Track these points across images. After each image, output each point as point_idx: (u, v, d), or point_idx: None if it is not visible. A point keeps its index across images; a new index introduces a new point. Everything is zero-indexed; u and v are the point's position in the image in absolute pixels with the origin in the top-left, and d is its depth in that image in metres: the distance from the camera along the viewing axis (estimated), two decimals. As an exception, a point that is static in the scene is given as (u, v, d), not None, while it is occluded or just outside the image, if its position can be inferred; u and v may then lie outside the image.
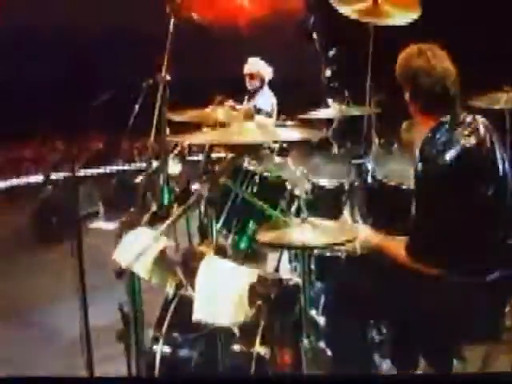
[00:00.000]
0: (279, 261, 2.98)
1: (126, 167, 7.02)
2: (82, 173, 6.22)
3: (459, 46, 2.13)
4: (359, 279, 2.34)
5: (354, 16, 3.09)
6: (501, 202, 2.06)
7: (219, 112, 2.48)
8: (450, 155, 2.00)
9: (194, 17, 2.69)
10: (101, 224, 5.20)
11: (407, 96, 2.13)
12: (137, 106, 2.80)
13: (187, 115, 2.50)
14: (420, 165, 2.06)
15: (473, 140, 2.04)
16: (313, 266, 2.60)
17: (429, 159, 2.03)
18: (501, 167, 2.06)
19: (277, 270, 2.98)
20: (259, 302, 1.41)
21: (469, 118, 2.11)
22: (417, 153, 2.10)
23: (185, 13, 2.61)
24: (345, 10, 3.11)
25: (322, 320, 2.55)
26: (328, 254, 2.51)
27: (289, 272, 2.70)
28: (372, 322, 2.46)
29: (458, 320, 2.05)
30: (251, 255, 3.96)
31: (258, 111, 4.79)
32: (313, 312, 2.59)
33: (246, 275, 1.52)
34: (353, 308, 2.24)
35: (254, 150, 2.33)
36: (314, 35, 3.47)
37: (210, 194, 1.74)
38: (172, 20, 2.53)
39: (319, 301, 2.58)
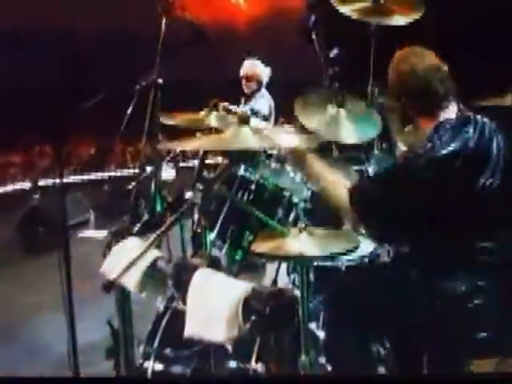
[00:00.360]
0: (277, 272, 2.97)
1: (118, 173, 7.02)
2: (72, 179, 6.24)
3: (465, 46, 2.13)
4: (360, 291, 2.32)
5: (354, 16, 3.09)
6: (496, 202, 2.06)
7: (213, 116, 2.47)
8: (450, 155, 2.00)
9: (187, 16, 2.68)
10: (91, 233, 5.18)
11: (404, 103, 2.16)
12: (129, 110, 2.78)
13: (179, 119, 2.49)
14: (421, 160, 2.04)
15: (475, 140, 2.04)
16: (312, 278, 2.61)
17: (429, 158, 2.02)
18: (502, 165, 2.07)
19: (275, 281, 2.97)
20: (254, 317, 1.39)
21: (471, 118, 2.11)
22: (420, 150, 2.09)
23: (177, 12, 2.60)
24: (345, 10, 3.10)
25: (322, 334, 2.55)
26: (328, 265, 2.50)
27: (287, 284, 2.69)
28: (374, 336, 2.45)
29: (465, 333, 2.03)
30: (249, 266, 3.97)
31: (255, 114, 4.79)
32: (312, 326, 2.59)
33: (240, 289, 1.50)
34: (354, 321, 2.23)
35: (250, 155, 2.32)
36: (314, 35, 3.45)
37: (203, 203, 1.73)
38: (164, 20, 2.52)
39: (319, 314, 2.58)
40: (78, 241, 4.82)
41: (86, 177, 6.60)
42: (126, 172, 6.94)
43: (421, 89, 2.08)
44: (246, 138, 1.84)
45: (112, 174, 6.96)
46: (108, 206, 5.58)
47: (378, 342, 2.46)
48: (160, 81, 2.53)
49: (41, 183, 5.28)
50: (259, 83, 5.09)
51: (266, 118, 4.95)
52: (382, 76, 3.31)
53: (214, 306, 1.51)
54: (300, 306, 2.24)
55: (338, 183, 2.16)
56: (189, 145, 1.88)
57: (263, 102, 5.10)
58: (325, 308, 2.52)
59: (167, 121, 2.50)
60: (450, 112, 2.11)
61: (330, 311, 2.43)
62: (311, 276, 2.61)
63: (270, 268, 3.15)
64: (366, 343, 2.39)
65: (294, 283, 2.56)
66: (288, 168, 2.92)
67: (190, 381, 1.93)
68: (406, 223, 2.04)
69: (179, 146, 2.29)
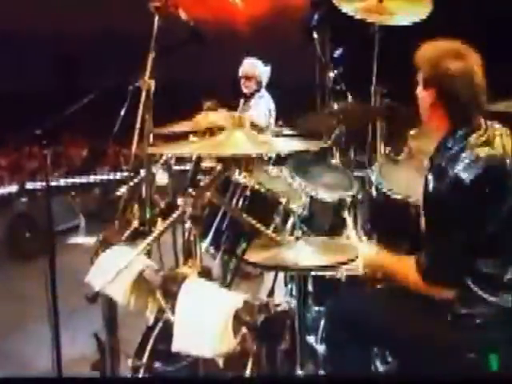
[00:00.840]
0: (274, 282, 2.97)
1: (111, 176, 7.02)
2: (62, 182, 6.24)
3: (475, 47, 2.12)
4: (362, 303, 2.33)
5: (357, 15, 3.11)
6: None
7: (207, 119, 2.47)
8: (462, 165, 1.99)
9: (181, 15, 2.69)
10: (81, 239, 5.18)
11: (431, 96, 2.10)
12: (123, 111, 2.79)
13: (173, 128, 2.50)
14: (430, 175, 2.05)
15: (488, 149, 2.03)
16: (310, 288, 2.62)
17: (440, 168, 2.02)
18: None
19: (272, 291, 2.98)
20: (244, 331, 1.40)
21: (484, 125, 2.10)
22: (427, 162, 2.10)
23: (170, 11, 2.61)
24: (347, 9, 3.12)
25: (321, 348, 2.55)
26: (327, 276, 2.51)
27: (285, 294, 2.69)
28: (376, 350, 2.45)
29: (471, 351, 2.04)
30: (247, 275, 3.97)
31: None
32: (311, 339, 2.60)
33: (231, 301, 1.51)
34: (355, 335, 2.22)
35: (245, 160, 2.33)
36: (315, 35, 3.47)
37: (194, 210, 1.74)
38: (156, 19, 2.53)
39: (318, 327, 2.58)
40: (66, 247, 4.83)
41: (77, 180, 6.60)
42: (119, 175, 6.93)
43: (468, 93, 2.02)
44: (240, 143, 1.85)
45: (105, 177, 6.96)
46: (99, 210, 5.59)
47: (380, 356, 2.47)
48: (152, 82, 2.53)
49: (29, 186, 5.28)
50: (259, 83, 5.09)
51: (265, 121, 4.94)
52: (385, 76, 3.35)
53: (202, 318, 1.52)
54: (296, 318, 2.27)
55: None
56: (179, 150, 1.89)
57: (262, 104, 5.10)
58: (324, 320, 2.53)
59: (160, 130, 2.52)
60: (475, 121, 2.07)
61: (330, 324, 2.43)
62: (309, 287, 2.64)
63: (269, 277, 3.15)
64: (368, 358, 2.39)
65: (291, 294, 2.58)
66: (286, 173, 2.94)
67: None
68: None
69: (169, 151, 2.30)
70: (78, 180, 6.55)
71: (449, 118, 2.08)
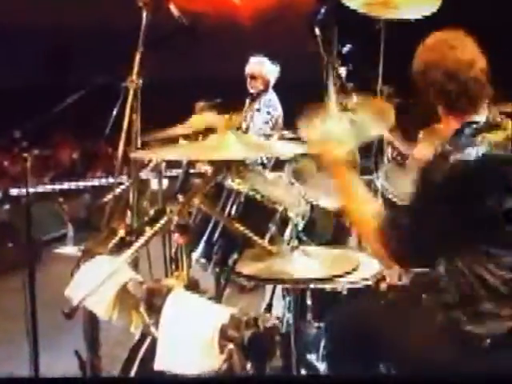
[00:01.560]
0: (273, 295, 2.98)
1: (103, 181, 7.02)
2: (49, 188, 6.25)
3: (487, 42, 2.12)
4: (364, 317, 2.34)
5: (362, 10, 3.13)
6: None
7: (202, 122, 2.47)
8: (471, 160, 1.95)
9: (173, 9, 2.70)
10: (69, 249, 5.20)
11: (427, 98, 2.11)
12: (115, 110, 2.79)
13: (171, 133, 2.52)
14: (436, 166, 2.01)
15: (497, 145, 2.01)
16: (309, 302, 2.62)
17: (448, 162, 2.00)
18: None
19: (270, 305, 2.99)
20: (230, 347, 1.41)
21: (498, 120, 2.07)
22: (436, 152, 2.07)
23: (161, 4, 2.62)
24: (352, 4, 3.15)
25: (322, 367, 2.56)
26: (327, 288, 2.51)
27: (284, 308, 2.70)
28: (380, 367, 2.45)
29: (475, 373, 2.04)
30: (247, 289, 3.97)
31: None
32: (312, 357, 2.60)
33: (217, 315, 1.52)
34: (358, 353, 2.23)
35: (237, 164, 2.34)
36: (317, 31, 3.48)
37: (180, 218, 1.76)
38: (144, 15, 2.55)
39: (318, 344, 2.59)
40: (53, 258, 4.85)
41: (65, 185, 6.61)
42: (111, 180, 6.92)
43: (447, 82, 2.00)
44: (231, 147, 1.86)
45: (95, 182, 6.96)
46: (89, 218, 5.60)
47: (384, 376, 2.47)
48: (140, 82, 2.55)
49: (13, 193, 5.29)
50: (266, 83, 5.07)
51: (260, 128, 4.94)
52: (393, 74, 3.37)
53: (187, 334, 1.53)
54: (292, 334, 2.28)
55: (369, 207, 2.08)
56: (165, 154, 1.90)
57: (270, 105, 5.06)
58: (325, 337, 2.54)
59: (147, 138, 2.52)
60: (479, 115, 2.05)
61: (331, 341, 2.44)
62: (308, 301, 2.65)
63: (269, 289, 3.14)
64: (372, 378, 2.39)
65: (289, 308, 2.58)
66: (284, 179, 2.96)
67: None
68: (442, 240, 1.99)
69: (154, 155, 2.31)
70: (66, 185, 6.53)
71: (451, 113, 2.07)
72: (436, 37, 2.09)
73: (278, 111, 5.09)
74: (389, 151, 3.44)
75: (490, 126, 2.03)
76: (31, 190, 2.86)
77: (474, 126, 2.03)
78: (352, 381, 2.02)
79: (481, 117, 2.05)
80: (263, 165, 3.97)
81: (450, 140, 2.03)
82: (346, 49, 3.82)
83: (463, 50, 2.03)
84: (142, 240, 1.76)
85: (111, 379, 2.10)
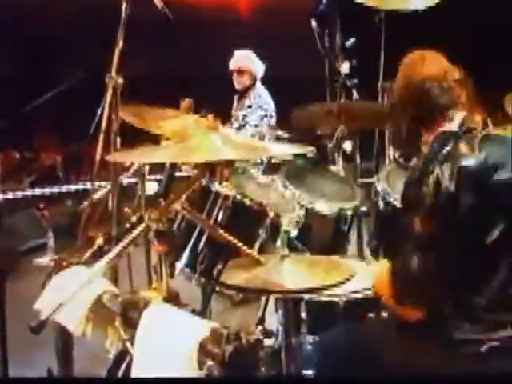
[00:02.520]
0: (265, 307, 2.98)
1: (88, 185, 7.00)
2: (30, 192, 6.25)
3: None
4: (363, 331, 2.34)
5: (365, 2, 3.15)
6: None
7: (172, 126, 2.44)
8: (447, 173, 2.01)
9: (156, 0, 2.71)
10: (49, 259, 5.20)
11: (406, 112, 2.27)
12: (100, 110, 2.79)
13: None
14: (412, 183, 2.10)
15: (475, 157, 2.04)
16: (304, 315, 2.62)
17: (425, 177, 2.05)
18: None
19: (262, 319, 2.99)
20: (210, 363, 1.41)
21: (476, 129, 2.14)
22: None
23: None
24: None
25: (317, 384, 2.55)
26: (322, 300, 2.51)
27: (278, 321, 2.70)
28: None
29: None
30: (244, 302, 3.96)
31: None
32: (308, 373, 2.60)
33: (197, 329, 1.52)
34: (356, 368, 2.24)
35: (221, 166, 2.33)
36: (313, 23, 3.50)
37: (159, 224, 1.76)
38: (123, 7, 2.55)
39: (313, 359, 2.59)
40: (32, 269, 4.85)
41: (46, 190, 6.59)
42: (97, 184, 6.90)
43: (417, 98, 2.20)
44: (214, 148, 1.86)
45: (79, 186, 6.94)
46: (71, 226, 5.59)
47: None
48: (119, 79, 2.55)
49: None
50: (252, 77, 5.10)
51: (256, 125, 4.96)
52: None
53: (163, 351, 1.53)
54: (283, 350, 2.28)
55: None
56: (143, 157, 1.90)
57: (260, 100, 5.08)
58: (320, 353, 2.54)
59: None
60: (453, 124, 2.16)
61: (327, 356, 2.44)
62: (303, 313, 2.64)
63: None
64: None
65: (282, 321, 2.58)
66: (278, 182, 2.96)
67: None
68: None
69: (131, 159, 2.32)
70: (47, 190, 6.51)
71: (424, 126, 2.21)
72: (409, 56, 2.30)
73: (271, 105, 5.12)
74: (391, 152, 3.45)
75: (464, 133, 2.13)
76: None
77: (447, 134, 2.12)
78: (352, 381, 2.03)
79: (453, 126, 2.15)
80: (261, 164, 3.97)
81: (428, 151, 2.14)
82: (350, 43, 3.84)
83: (430, 65, 2.22)
84: (116, 249, 1.76)
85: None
